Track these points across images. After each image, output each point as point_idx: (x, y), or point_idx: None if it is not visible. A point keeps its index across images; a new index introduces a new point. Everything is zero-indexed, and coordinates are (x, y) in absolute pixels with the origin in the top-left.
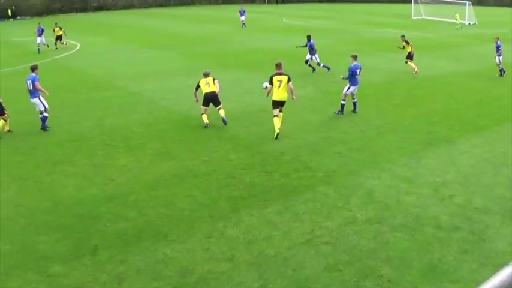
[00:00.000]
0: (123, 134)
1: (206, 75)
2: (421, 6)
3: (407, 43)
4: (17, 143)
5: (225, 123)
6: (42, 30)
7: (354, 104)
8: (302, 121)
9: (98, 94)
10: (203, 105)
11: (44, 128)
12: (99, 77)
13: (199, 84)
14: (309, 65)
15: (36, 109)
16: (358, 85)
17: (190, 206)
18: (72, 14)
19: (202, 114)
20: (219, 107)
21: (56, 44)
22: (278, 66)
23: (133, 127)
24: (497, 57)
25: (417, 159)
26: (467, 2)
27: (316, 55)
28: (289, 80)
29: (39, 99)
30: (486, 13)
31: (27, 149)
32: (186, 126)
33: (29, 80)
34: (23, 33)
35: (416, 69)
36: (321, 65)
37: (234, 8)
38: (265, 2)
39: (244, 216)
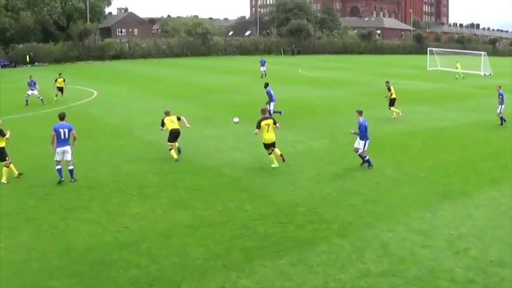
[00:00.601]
0: (138, 182)
1: (168, 113)
2: (437, 58)
3: (389, 89)
4: (33, 187)
5: (180, 152)
6: (34, 83)
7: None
8: (317, 172)
9: (115, 142)
10: (169, 141)
11: (74, 179)
12: (116, 125)
13: (165, 121)
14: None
15: (65, 158)
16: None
17: (203, 256)
18: (90, 62)
19: (170, 150)
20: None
21: (56, 95)
22: (263, 111)
23: (148, 175)
24: (499, 106)
25: (433, 212)
26: (483, 53)
27: (272, 103)
28: (274, 122)
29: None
30: (501, 63)
31: (42, 194)
32: (201, 175)
33: (64, 128)
34: (40, 79)
35: (398, 113)
36: (271, 112)
37: (250, 59)
38: (281, 53)
39: (258, 267)
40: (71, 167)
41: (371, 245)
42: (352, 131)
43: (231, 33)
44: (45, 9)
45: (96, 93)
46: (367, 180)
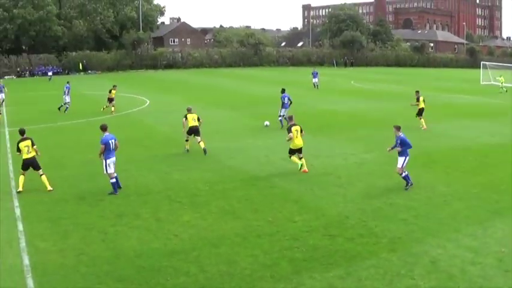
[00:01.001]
0: (188, 191)
1: (189, 110)
2: (490, 72)
3: (417, 99)
4: (84, 193)
5: (205, 153)
6: (69, 89)
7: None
8: (368, 186)
9: (166, 150)
10: (188, 134)
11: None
12: (167, 133)
13: (187, 117)
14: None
15: (113, 169)
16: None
17: (251, 266)
18: (143, 70)
19: (186, 140)
20: (199, 140)
21: (106, 106)
22: (290, 118)
23: (199, 184)
24: None
25: (484, 229)
26: None
27: (284, 109)
28: (301, 130)
29: None
30: None
31: (93, 200)
32: (252, 186)
33: (112, 139)
34: (93, 87)
35: (424, 127)
36: (280, 118)
37: (303, 70)
38: (334, 65)
39: (306, 279)
40: (114, 180)
41: (420, 261)
42: (389, 148)
43: (283, 44)
44: (98, 18)
45: (148, 102)
46: (418, 195)
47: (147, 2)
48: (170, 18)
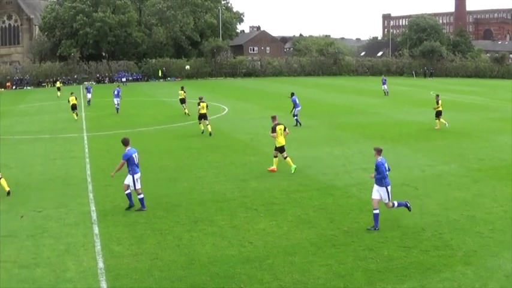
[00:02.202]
0: (265, 199)
1: (201, 99)
2: None
3: (437, 103)
4: (161, 198)
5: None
6: (118, 92)
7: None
8: (445, 198)
9: (243, 158)
10: (199, 119)
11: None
12: (245, 141)
13: (200, 105)
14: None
15: (140, 184)
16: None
17: (325, 275)
18: (222, 78)
19: (199, 123)
20: (207, 123)
21: (185, 108)
22: (274, 118)
23: (275, 192)
24: None
25: None
26: None
27: (297, 109)
28: (284, 128)
29: None
30: None
31: (169, 206)
32: (329, 195)
33: (134, 153)
34: (172, 94)
35: (444, 125)
36: (295, 117)
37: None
38: (413, 75)
39: None
40: (141, 196)
41: (495, 275)
42: (372, 175)
43: (362, 53)
44: (177, 25)
45: (227, 109)
46: (495, 208)
47: (227, 9)
48: (250, 27)
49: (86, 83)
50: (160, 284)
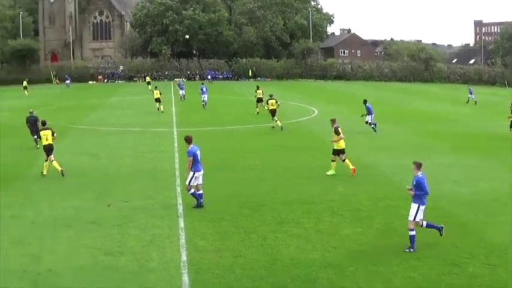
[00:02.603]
0: (351, 204)
1: (335, 121)
2: None
3: None
4: (247, 197)
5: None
6: (206, 89)
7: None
8: None
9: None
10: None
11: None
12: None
13: (268, 102)
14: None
15: (201, 180)
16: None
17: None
18: (312, 80)
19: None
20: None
21: (258, 108)
22: (334, 121)
23: (362, 198)
24: None
25: None
26: None
27: (371, 116)
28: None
29: None
30: None
31: (255, 205)
32: None
33: (198, 150)
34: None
35: None
36: (371, 125)
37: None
38: (505, 85)
39: None
40: (201, 191)
41: None
42: (409, 188)
43: (454, 60)
44: (267, 25)
45: (316, 112)
46: None
47: (317, 11)
48: (340, 29)
49: (176, 79)
50: (241, 282)
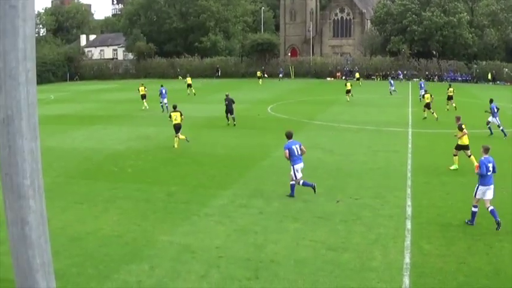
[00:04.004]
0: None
1: (459, 118)
2: None
3: None
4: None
5: None
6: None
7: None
8: None
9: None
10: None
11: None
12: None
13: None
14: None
15: (301, 174)
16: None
17: None
18: None
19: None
20: None
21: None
22: (458, 118)
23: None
24: None
25: None
26: None
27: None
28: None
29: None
30: None
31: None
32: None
33: (296, 145)
34: (501, 98)
35: None
36: (500, 127)
37: None
38: None
39: None
40: (303, 182)
41: None
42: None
43: None
44: (509, 28)
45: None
46: None
47: None
48: None
49: (415, 79)
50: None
